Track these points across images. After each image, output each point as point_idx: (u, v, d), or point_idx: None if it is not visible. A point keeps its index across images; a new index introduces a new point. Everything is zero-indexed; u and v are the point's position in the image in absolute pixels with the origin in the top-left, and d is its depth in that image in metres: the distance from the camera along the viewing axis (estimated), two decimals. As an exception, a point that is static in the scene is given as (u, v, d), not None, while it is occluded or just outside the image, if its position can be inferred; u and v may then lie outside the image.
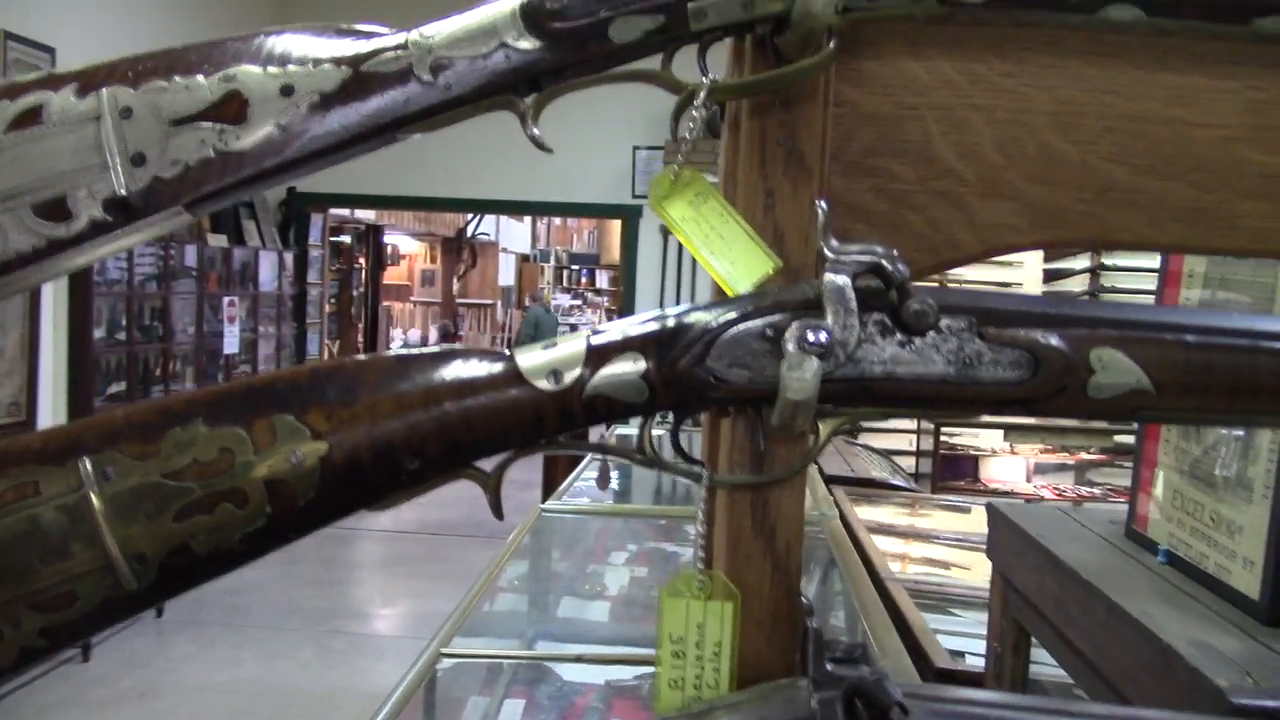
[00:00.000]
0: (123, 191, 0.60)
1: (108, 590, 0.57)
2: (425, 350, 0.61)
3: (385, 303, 10.95)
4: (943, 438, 6.48)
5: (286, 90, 0.61)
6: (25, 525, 0.56)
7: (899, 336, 0.57)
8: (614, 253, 13.93)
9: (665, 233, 5.85)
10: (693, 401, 0.59)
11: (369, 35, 0.62)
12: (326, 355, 8.03)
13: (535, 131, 0.62)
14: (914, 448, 6.73)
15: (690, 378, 0.58)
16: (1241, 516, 1.26)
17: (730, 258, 0.62)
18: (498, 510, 0.62)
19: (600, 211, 8.05)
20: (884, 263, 0.56)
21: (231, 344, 6.22)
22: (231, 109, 0.61)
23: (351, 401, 0.59)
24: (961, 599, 2.77)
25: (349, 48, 0.62)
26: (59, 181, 0.60)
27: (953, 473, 6.54)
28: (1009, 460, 6.70)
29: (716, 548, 0.65)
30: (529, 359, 0.59)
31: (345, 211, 8.97)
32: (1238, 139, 0.66)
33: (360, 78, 0.61)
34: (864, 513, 3.43)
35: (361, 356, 0.61)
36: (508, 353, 0.60)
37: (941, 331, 0.57)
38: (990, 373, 0.57)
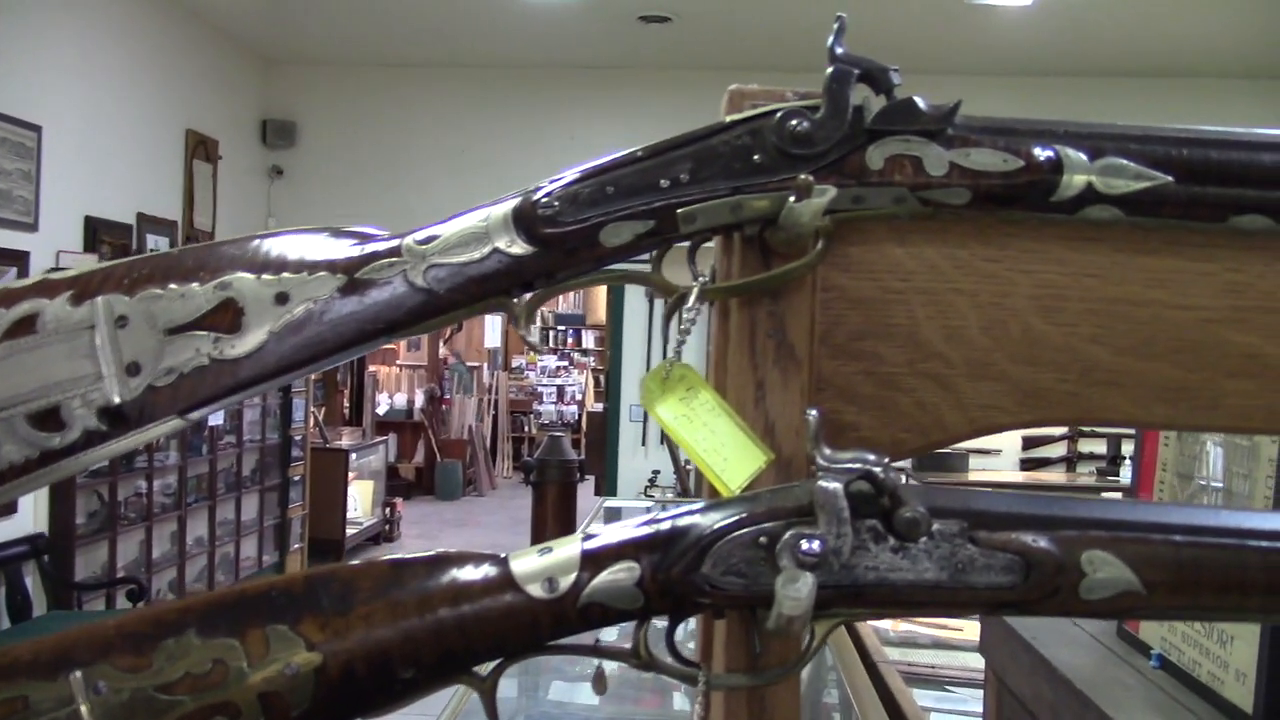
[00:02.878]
0: (117, 401, 0.60)
1: None
2: (419, 556, 0.61)
3: (371, 368, 10.95)
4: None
5: (281, 298, 0.61)
6: None
7: (892, 543, 0.58)
8: (600, 312, 13.97)
9: (651, 295, 5.91)
10: (688, 607, 0.59)
11: (363, 239, 0.63)
12: (312, 423, 7.99)
13: (531, 336, 0.63)
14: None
15: (685, 585, 0.58)
16: (1234, 625, 1.26)
17: (723, 454, 0.62)
18: (493, 715, 0.61)
19: (586, 275, 8.07)
20: (875, 470, 0.57)
21: (216, 415, 6.20)
22: (226, 317, 0.61)
23: (346, 611, 0.59)
24: (954, 678, 2.76)
25: (342, 253, 0.63)
26: (53, 391, 0.61)
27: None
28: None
29: (714, 742, 0.65)
30: (523, 564, 0.59)
31: (331, 277, 8.98)
32: (1218, 320, 0.67)
33: (354, 284, 0.62)
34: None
35: (355, 563, 0.61)
36: (502, 555, 0.60)
37: (933, 537, 0.58)
38: (983, 578, 0.58)
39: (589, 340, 14.74)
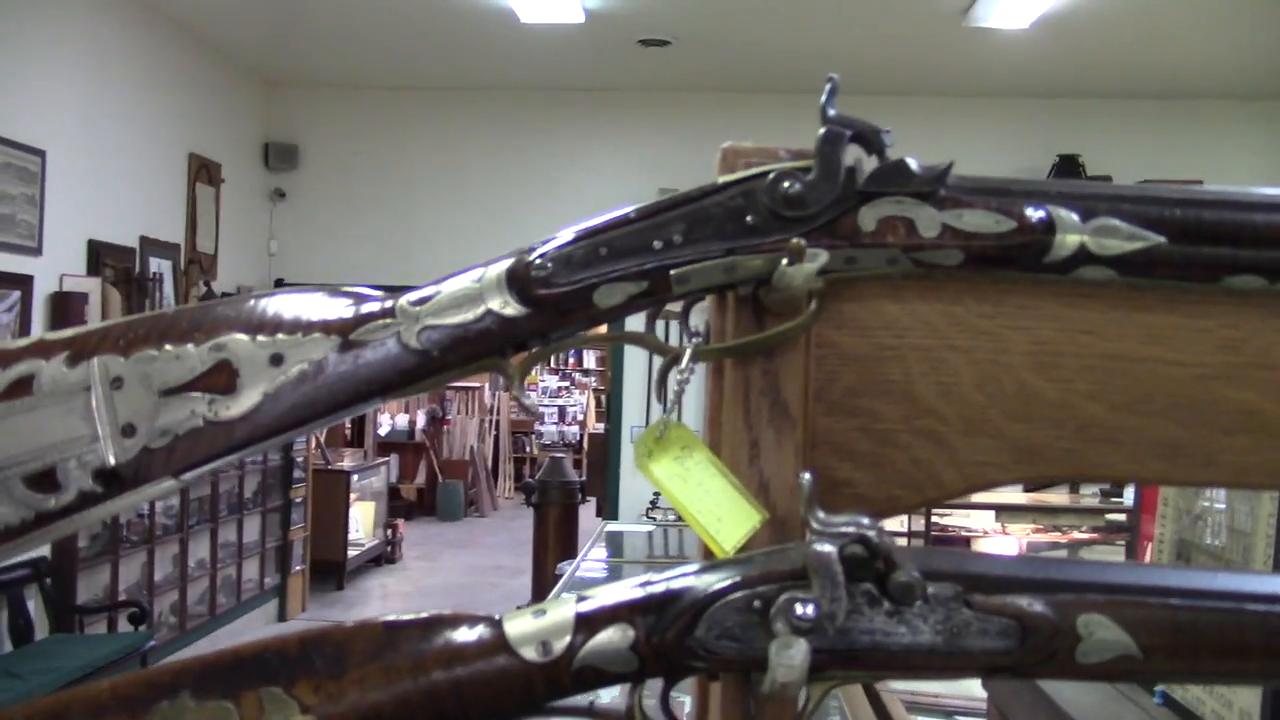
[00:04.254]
0: (112, 462, 0.60)
1: None
2: (414, 618, 0.61)
3: (373, 386, 10.94)
4: (934, 518, 6.47)
5: (276, 360, 0.61)
6: None
7: (887, 606, 0.58)
8: (600, 331, 13.95)
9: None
10: (682, 670, 0.59)
11: (357, 300, 0.63)
12: (313, 444, 7.99)
13: (527, 400, 0.63)
14: (906, 528, 6.71)
15: (679, 649, 0.58)
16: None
17: (717, 514, 0.62)
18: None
19: (587, 296, 8.08)
20: (869, 534, 0.57)
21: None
22: (221, 379, 0.61)
23: (339, 674, 0.59)
24: (958, 708, 2.74)
25: (336, 314, 0.63)
26: (49, 453, 0.61)
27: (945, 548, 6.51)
28: (1001, 540, 6.67)
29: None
30: (517, 627, 0.59)
31: (333, 298, 9.01)
32: (1214, 377, 0.67)
33: (348, 346, 0.62)
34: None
35: (349, 624, 0.61)
36: (496, 617, 0.60)
37: (929, 601, 0.58)
38: (978, 642, 0.57)
39: (590, 360, 14.75)
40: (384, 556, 9.20)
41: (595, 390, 14.15)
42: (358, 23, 5.94)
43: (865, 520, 0.57)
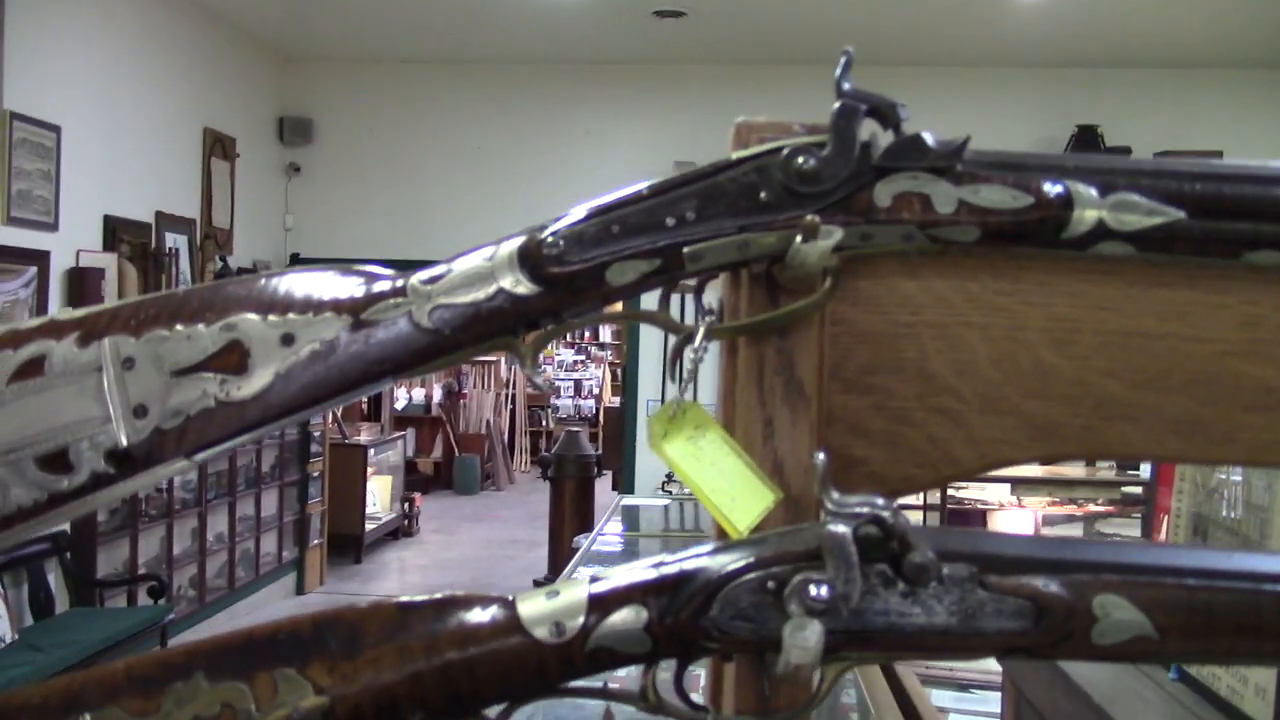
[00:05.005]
0: (124, 444, 0.60)
1: None
2: (427, 599, 0.61)
3: (389, 361, 10.98)
4: (950, 492, 6.46)
5: (287, 339, 0.61)
6: None
7: (901, 587, 0.57)
8: (616, 305, 13.95)
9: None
10: (696, 650, 0.59)
11: (368, 279, 0.63)
12: (331, 419, 8.03)
13: (537, 379, 0.63)
14: (921, 502, 6.71)
15: (692, 629, 0.58)
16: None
17: (730, 494, 0.62)
18: (501, 758, 0.61)
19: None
20: (884, 514, 0.57)
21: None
22: (233, 359, 0.61)
23: (354, 654, 0.59)
24: (972, 681, 2.75)
25: (348, 293, 0.62)
26: (61, 434, 0.61)
27: (961, 525, 6.51)
28: (1017, 513, 6.67)
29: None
30: (530, 608, 0.59)
31: (348, 273, 9.03)
32: (1233, 353, 0.66)
33: (360, 325, 0.61)
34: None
35: (363, 605, 0.61)
36: (510, 598, 0.60)
37: (943, 581, 0.57)
38: (994, 623, 0.57)
39: (606, 334, 14.75)
40: (401, 530, 9.26)
41: (611, 364, 14.16)
42: (370, -4, 5.92)
43: (880, 500, 0.57)
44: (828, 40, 6.38)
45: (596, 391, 14.10)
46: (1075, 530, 6.68)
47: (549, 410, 13.78)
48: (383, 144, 7.10)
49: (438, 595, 0.61)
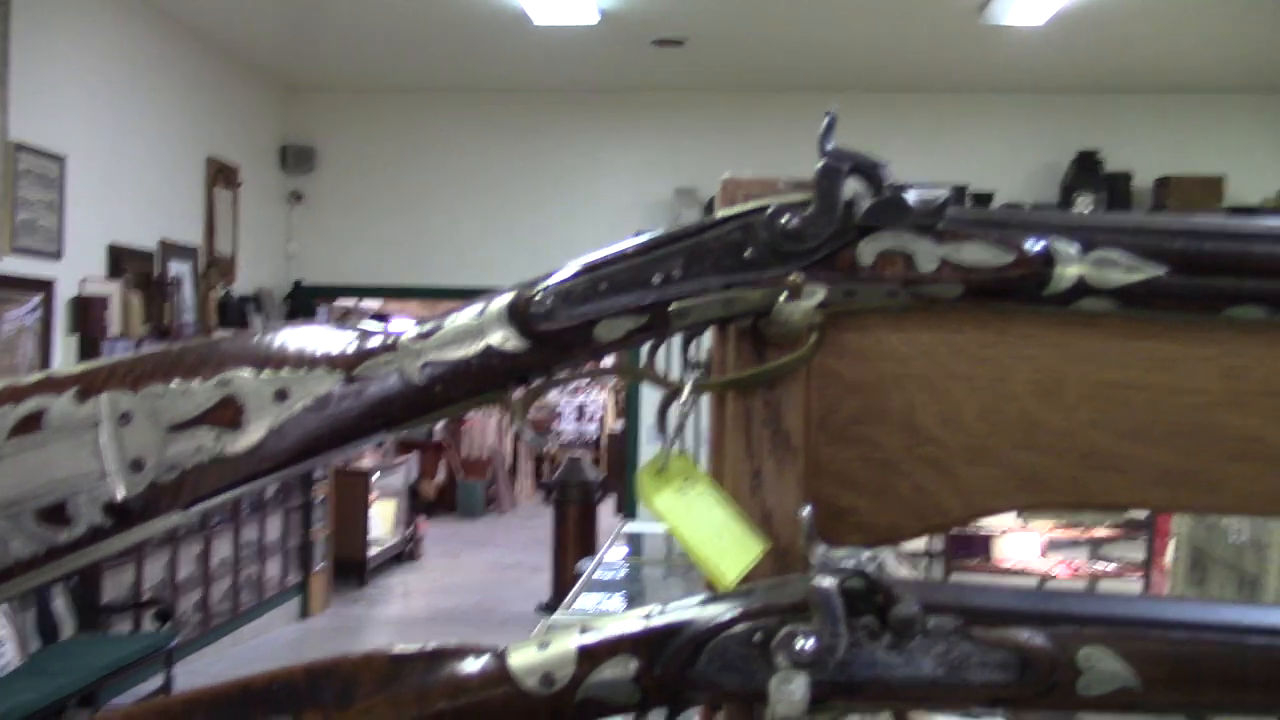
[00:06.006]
0: (121, 497, 0.61)
1: None
2: (419, 650, 0.61)
3: (392, 386, 10.98)
4: (953, 517, 6.43)
5: (280, 395, 0.62)
6: None
7: (887, 639, 0.58)
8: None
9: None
10: (684, 701, 0.60)
11: (361, 334, 0.64)
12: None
13: (526, 435, 0.64)
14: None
15: (681, 681, 0.58)
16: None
17: (719, 545, 0.63)
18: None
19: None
20: (869, 568, 0.57)
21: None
22: (227, 414, 0.62)
23: (346, 705, 0.60)
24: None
25: (340, 349, 0.63)
26: (59, 488, 0.62)
27: (965, 551, 6.49)
28: (1022, 537, 6.64)
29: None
30: (521, 659, 0.60)
31: (351, 300, 9.06)
32: (1217, 404, 0.67)
33: (352, 381, 0.62)
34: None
35: (355, 655, 0.62)
36: (500, 649, 0.61)
37: (929, 634, 0.58)
38: (979, 675, 0.58)
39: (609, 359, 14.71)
40: (405, 554, 9.24)
41: (614, 389, 14.17)
42: (372, 26, 5.96)
43: (865, 554, 0.58)
44: (826, 67, 6.43)
45: (599, 416, 14.10)
46: (1081, 555, 6.67)
47: (552, 435, 13.77)
48: (384, 172, 7.14)
49: (429, 646, 0.62)
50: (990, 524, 6.60)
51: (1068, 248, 0.61)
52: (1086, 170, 6.55)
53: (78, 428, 0.62)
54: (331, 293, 7.46)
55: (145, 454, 0.62)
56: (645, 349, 0.67)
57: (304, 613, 7.22)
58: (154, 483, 0.62)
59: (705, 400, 0.68)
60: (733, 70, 6.59)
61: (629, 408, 7.45)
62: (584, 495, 7.37)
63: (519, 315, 0.62)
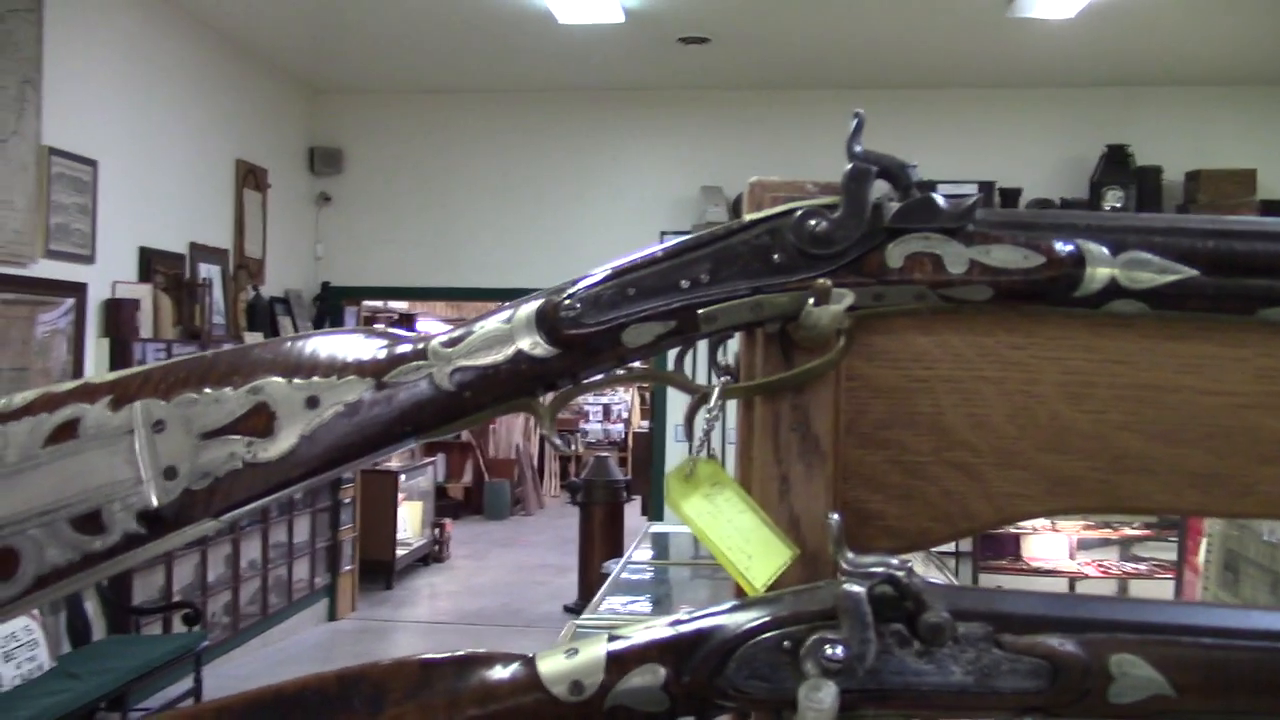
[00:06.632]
0: (155, 504, 0.62)
1: None
2: (449, 656, 0.62)
3: (420, 386, 11.01)
4: (982, 516, 6.40)
5: (311, 402, 0.63)
6: None
7: (916, 647, 0.58)
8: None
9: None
10: (712, 709, 0.59)
11: (391, 341, 0.65)
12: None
13: (555, 440, 0.64)
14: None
15: (709, 689, 0.58)
16: None
17: (747, 550, 0.63)
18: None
19: (630, 294, 8.09)
20: (898, 574, 0.57)
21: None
22: (259, 422, 0.62)
23: (377, 712, 0.60)
24: None
25: (370, 356, 0.64)
26: (94, 495, 0.62)
27: (994, 551, 6.45)
28: (1051, 537, 6.59)
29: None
30: (550, 665, 0.60)
31: (378, 301, 9.10)
32: (1250, 406, 0.66)
33: (382, 387, 0.63)
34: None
35: (386, 662, 0.62)
36: (530, 656, 0.61)
37: (959, 641, 0.57)
38: (1009, 682, 0.57)
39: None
40: (432, 555, 9.28)
41: (640, 388, 14.16)
42: (398, 29, 5.99)
43: (894, 560, 0.57)
44: (852, 64, 6.40)
45: (625, 416, 14.11)
46: (1111, 554, 6.61)
47: (578, 434, 13.79)
48: (411, 173, 7.17)
49: (459, 653, 0.62)
50: (1019, 524, 6.56)
51: (1098, 249, 0.61)
52: (1116, 164, 6.49)
53: (112, 436, 0.63)
54: (359, 294, 7.50)
55: (178, 461, 0.62)
56: (673, 354, 0.67)
57: (332, 614, 7.26)
58: (187, 489, 0.62)
59: (731, 404, 0.68)
60: (758, 67, 6.58)
61: (655, 408, 7.44)
62: (610, 496, 7.38)
63: (547, 321, 0.62)
